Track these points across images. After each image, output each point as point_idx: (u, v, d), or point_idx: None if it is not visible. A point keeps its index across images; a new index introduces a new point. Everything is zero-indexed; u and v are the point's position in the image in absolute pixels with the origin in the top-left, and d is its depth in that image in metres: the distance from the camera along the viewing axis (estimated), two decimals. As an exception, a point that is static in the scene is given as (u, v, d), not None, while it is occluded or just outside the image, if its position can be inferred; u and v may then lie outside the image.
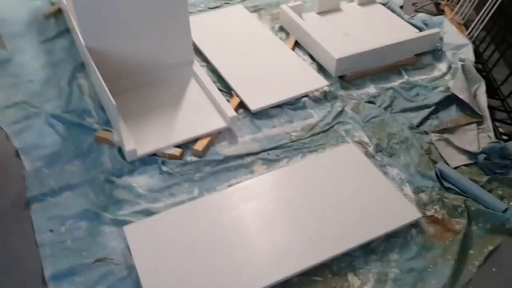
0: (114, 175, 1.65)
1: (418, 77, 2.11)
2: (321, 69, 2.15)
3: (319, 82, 2.01)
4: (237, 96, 1.96)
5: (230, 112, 1.79)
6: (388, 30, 2.35)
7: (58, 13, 2.58)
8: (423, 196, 1.56)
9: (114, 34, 1.83)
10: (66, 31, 2.43)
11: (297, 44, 2.30)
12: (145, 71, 1.98)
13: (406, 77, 2.10)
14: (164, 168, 1.66)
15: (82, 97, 2.01)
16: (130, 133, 1.71)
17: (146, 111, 1.86)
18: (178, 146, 1.73)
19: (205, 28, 2.38)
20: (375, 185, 1.56)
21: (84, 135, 1.82)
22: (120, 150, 1.73)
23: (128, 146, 1.64)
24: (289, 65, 2.13)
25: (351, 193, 1.53)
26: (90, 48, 1.81)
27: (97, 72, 1.69)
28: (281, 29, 2.43)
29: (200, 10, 2.62)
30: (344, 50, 2.07)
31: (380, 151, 1.74)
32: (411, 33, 2.30)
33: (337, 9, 2.50)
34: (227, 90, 2.02)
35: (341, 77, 2.09)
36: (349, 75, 2.07)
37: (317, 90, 1.99)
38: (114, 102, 1.56)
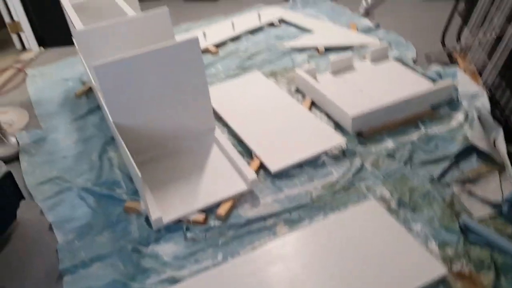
0: (141, 244, 1.70)
1: (436, 129, 2.12)
2: (338, 126, 2.20)
3: (337, 139, 2.06)
4: (257, 158, 2.02)
5: (251, 175, 1.84)
6: (403, 84, 2.40)
7: (89, 92, 2.78)
8: (449, 251, 1.53)
9: (139, 110, 1.95)
10: (97, 108, 2.60)
11: (313, 104, 2.38)
12: (169, 141, 2.08)
13: (424, 129, 2.12)
14: (189, 235, 1.70)
15: (112, 169, 2.12)
16: (155, 202, 1.79)
17: (171, 179, 1.93)
18: (202, 211, 1.78)
19: (225, 96, 2.51)
20: (399, 242, 1.54)
21: (114, 206, 1.90)
22: (147, 219, 1.79)
23: (154, 215, 1.70)
24: (306, 124, 2.19)
25: (376, 251, 1.53)
26: (117, 124, 1.93)
27: (124, 146, 1.79)
28: (298, 90, 2.53)
29: (220, 79, 2.76)
30: (359, 107, 2.13)
31: (403, 206, 1.74)
32: (426, 85, 2.35)
33: (350, 68, 2.59)
34: (247, 153, 2.09)
35: (358, 133, 2.13)
36: (366, 131, 2.12)
37: (335, 147, 2.03)
38: (139, 173, 1.64)
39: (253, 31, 3.32)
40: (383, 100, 2.19)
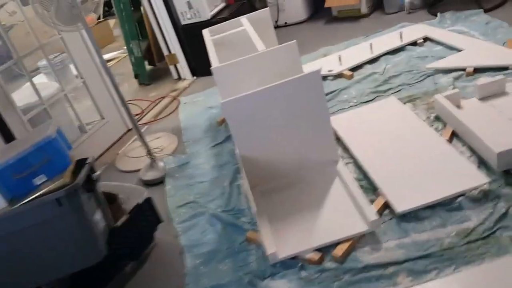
0: (257, 277, 1.73)
1: None
2: (482, 163, 1.93)
3: (478, 179, 1.80)
4: (383, 195, 1.89)
5: (372, 215, 1.73)
6: None
7: (227, 120, 2.96)
8: None
9: (263, 141, 2.01)
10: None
11: (455, 135, 2.13)
12: (291, 172, 2.09)
13: None
14: (303, 273, 1.67)
15: (239, 197, 2.21)
16: (272, 235, 1.80)
17: (290, 212, 1.93)
18: (318, 249, 1.74)
19: (354, 124, 2.42)
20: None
21: (237, 234, 1.98)
22: (266, 251, 1.82)
23: (269, 250, 1.72)
24: (443, 159, 1.97)
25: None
26: (243, 155, 2.02)
27: (245, 178, 1.86)
28: (437, 118, 2.30)
29: (352, 105, 2.68)
30: (509, 141, 1.83)
31: (559, 266, 1.43)
32: None
33: (502, 93, 2.25)
34: (373, 188, 1.97)
35: (506, 172, 1.83)
36: (517, 170, 1.81)
37: (475, 188, 1.78)
38: (255, 207, 1.68)
39: (394, 52, 3.14)
40: (541, 132, 1.86)
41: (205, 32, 2.82)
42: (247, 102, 1.92)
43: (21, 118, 2.53)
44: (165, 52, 3.85)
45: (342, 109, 2.67)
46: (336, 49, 3.51)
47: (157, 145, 2.92)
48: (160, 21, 3.68)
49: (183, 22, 3.68)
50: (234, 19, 2.88)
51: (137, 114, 3.50)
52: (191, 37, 3.67)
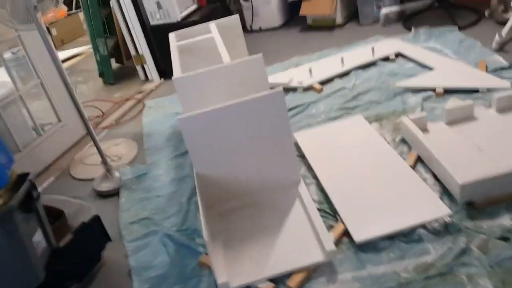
0: (207, 307, 1.63)
1: None
2: (445, 191, 1.88)
3: (440, 210, 1.75)
4: (342, 222, 1.82)
5: (329, 245, 1.66)
6: (536, 142, 1.97)
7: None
8: None
9: (221, 160, 1.91)
10: (194, 147, 2.65)
11: (419, 160, 2.08)
12: (250, 192, 2.00)
13: (558, 205, 1.70)
14: (254, 305, 1.58)
15: (196, 215, 2.11)
16: (225, 262, 1.71)
17: (246, 236, 1.84)
18: (272, 280, 1.65)
19: (319, 141, 2.35)
20: None
21: (190, 258, 1.87)
22: (217, 279, 1.72)
23: (220, 279, 1.62)
24: (406, 185, 1.92)
25: None
26: (199, 174, 1.92)
27: (199, 199, 1.76)
28: (403, 141, 2.25)
29: (320, 121, 2.61)
30: (474, 171, 1.79)
31: (514, 310, 1.39)
32: None
33: (470, 118, 2.22)
34: (333, 213, 1.90)
35: (469, 203, 1.79)
36: (480, 202, 1.76)
37: (436, 220, 1.73)
38: (207, 235, 1.58)
39: (365, 66, 3.09)
40: (507, 163, 1.82)
41: (171, 36, 2.70)
42: (205, 119, 1.82)
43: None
44: (133, 52, 3.71)
45: (309, 124, 2.60)
46: (308, 59, 3.45)
47: (116, 152, 2.79)
48: (128, 20, 3.53)
49: (152, 23, 3.54)
50: (203, 24, 2.76)
51: (97, 116, 3.35)
52: (160, 38, 3.53)
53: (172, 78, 2.11)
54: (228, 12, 4.03)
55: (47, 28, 5.56)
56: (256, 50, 4.05)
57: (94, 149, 2.75)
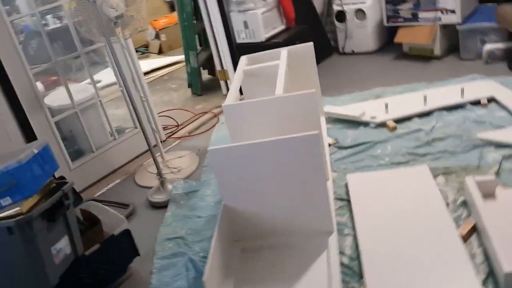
0: None
1: None
2: (491, 274, 1.60)
3: (478, 298, 1.49)
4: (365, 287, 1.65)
5: (338, 313, 1.51)
6: None
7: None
8: None
9: (250, 196, 1.87)
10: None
11: (475, 231, 1.80)
12: (279, 233, 1.92)
13: None
14: None
15: (226, 245, 2.09)
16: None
17: (258, 278, 1.77)
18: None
19: (371, 189, 2.16)
20: None
21: (205, 289, 1.86)
22: (222, 319, 1.68)
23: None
24: (447, 260, 1.65)
25: None
26: (227, 206, 1.89)
27: (216, 231, 1.75)
28: (465, 204, 1.97)
29: (381, 164, 2.40)
30: (532, 260, 1.49)
31: None
32: None
33: (551, 191, 1.86)
34: (360, 274, 1.73)
35: (518, 297, 1.50)
36: (532, 298, 1.47)
37: (472, 309, 1.48)
38: (206, 277, 1.55)
39: (451, 108, 2.78)
40: None
41: (241, 60, 2.71)
42: (236, 153, 1.79)
43: (48, 119, 2.62)
44: (218, 67, 3.82)
45: (369, 166, 2.41)
46: (392, 92, 3.21)
47: (177, 165, 2.89)
48: (217, 36, 3.64)
49: (238, 41, 3.60)
50: (275, 50, 2.73)
51: (174, 126, 3.51)
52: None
53: (222, 106, 2.12)
54: (317, 35, 3.94)
55: (157, 34, 6.02)
56: (340, 74, 3.92)
57: (161, 159, 2.90)
